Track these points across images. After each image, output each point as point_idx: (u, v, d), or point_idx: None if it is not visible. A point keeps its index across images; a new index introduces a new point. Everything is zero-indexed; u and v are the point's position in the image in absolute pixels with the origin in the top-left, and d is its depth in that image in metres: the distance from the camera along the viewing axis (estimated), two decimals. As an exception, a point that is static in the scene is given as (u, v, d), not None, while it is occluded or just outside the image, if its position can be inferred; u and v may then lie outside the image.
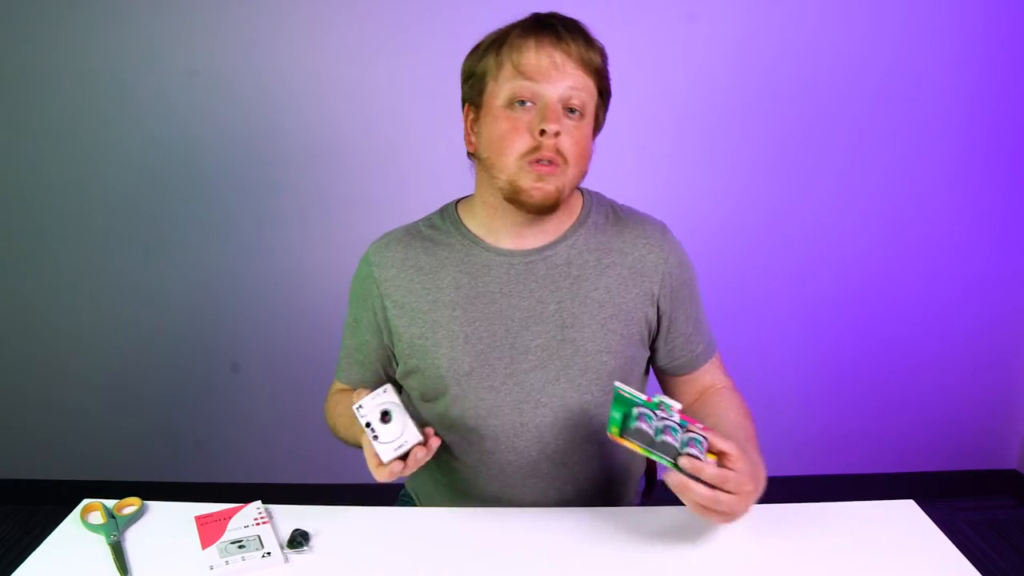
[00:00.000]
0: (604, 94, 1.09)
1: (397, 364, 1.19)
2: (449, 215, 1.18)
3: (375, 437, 0.97)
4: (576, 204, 1.17)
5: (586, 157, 1.07)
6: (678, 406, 0.96)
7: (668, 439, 0.94)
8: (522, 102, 1.03)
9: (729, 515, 0.94)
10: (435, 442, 1.00)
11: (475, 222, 1.15)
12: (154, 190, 2.09)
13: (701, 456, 0.93)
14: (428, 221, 1.19)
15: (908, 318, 2.24)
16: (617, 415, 0.97)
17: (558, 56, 1.02)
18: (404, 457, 0.98)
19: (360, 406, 0.99)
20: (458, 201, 1.20)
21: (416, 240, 1.16)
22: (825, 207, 2.14)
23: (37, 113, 2.04)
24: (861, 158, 2.10)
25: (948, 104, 2.07)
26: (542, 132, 1.01)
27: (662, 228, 1.18)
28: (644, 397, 0.96)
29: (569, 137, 1.03)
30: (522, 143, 1.03)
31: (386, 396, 0.99)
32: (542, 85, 1.02)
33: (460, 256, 1.13)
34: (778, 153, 2.09)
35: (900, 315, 2.24)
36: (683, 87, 2.03)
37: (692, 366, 1.21)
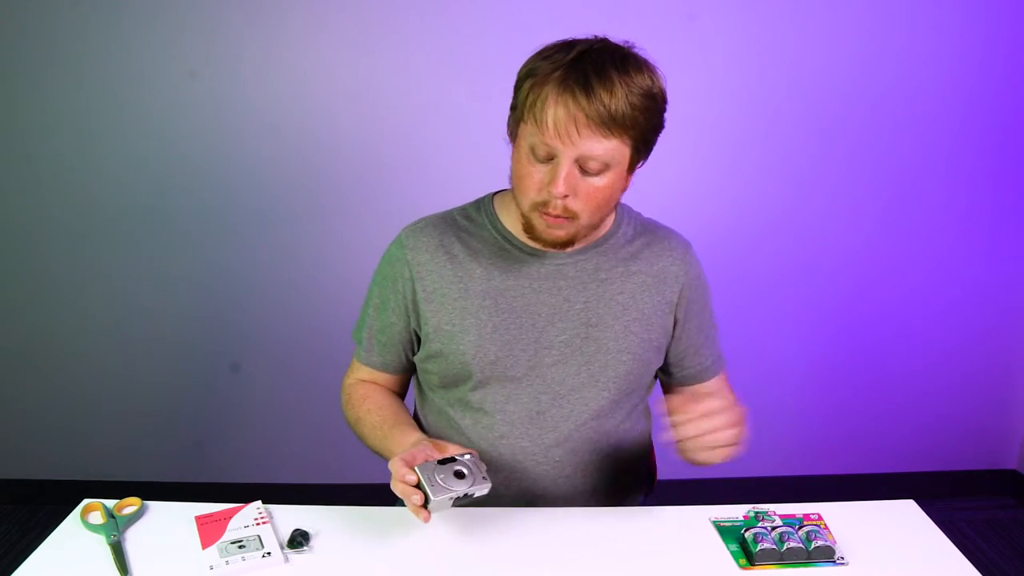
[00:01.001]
0: (644, 138, 1.04)
1: (419, 347, 1.21)
2: (485, 208, 1.19)
3: (440, 462, 0.98)
4: (609, 217, 1.19)
5: (606, 204, 1.07)
6: (773, 507, 1.05)
7: (792, 544, 0.99)
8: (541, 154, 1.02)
9: (732, 441, 1.00)
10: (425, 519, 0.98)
11: (511, 219, 1.16)
12: (154, 190, 2.09)
13: (799, 543, 1.00)
14: (464, 211, 1.21)
15: (909, 318, 2.24)
16: (734, 547, 1.02)
17: (575, 122, 0.97)
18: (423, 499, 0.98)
19: (468, 455, 1.00)
20: (495, 193, 1.21)
21: (451, 228, 1.18)
22: (825, 208, 2.14)
23: (36, 113, 2.03)
24: (861, 159, 2.10)
25: (949, 105, 2.07)
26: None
27: (686, 245, 1.22)
28: (741, 517, 1.06)
29: (584, 194, 1.03)
30: (535, 194, 1.04)
31: (477, 471, 0.99)
32: (556, 148, 1.00)
33: (493, 250, 1.16)
34: (778, 154, 2.09)
35: (901, 315, 2.24)
36: (684, 88, 2.02)
37: (698, 378, 1.25)
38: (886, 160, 2.11)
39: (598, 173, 1.02)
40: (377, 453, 1.16)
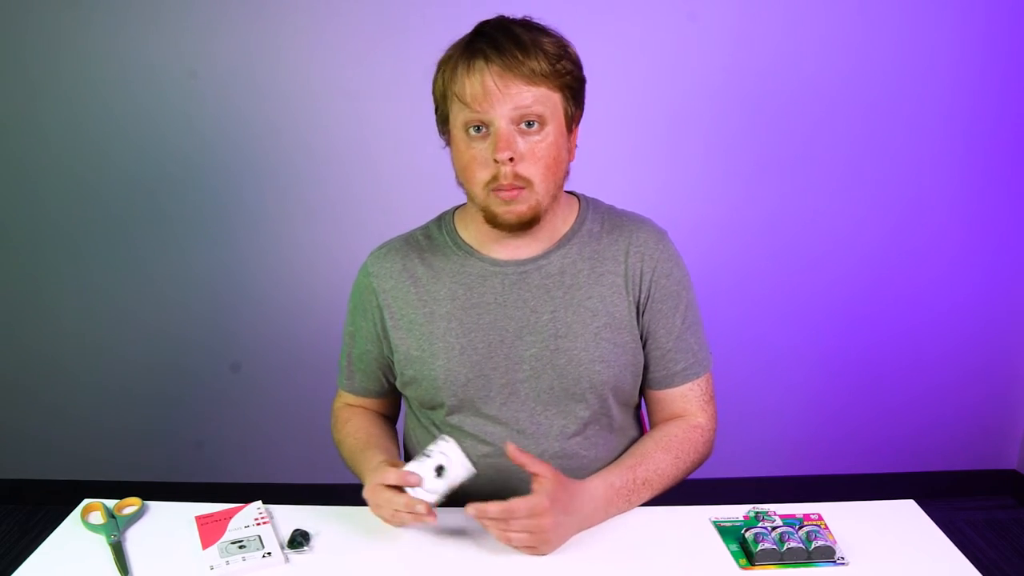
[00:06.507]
0: (570, 88, 1.05)
1: (395, 375, 1.20)
2: (446, 225, 1.18)
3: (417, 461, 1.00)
4: (571, 212, 1.17)
5: (556, 164, 1.05)
6: (773, 507, 1.04)
7: (792, 544, 0.98)
8: (477, 128, 1.03)
9: (532, 547, 0.99)
10: (431, 519, 0.99)
11: (468, 232, 1.16)
12: (155, 191, 2.09)
13: (796, 543, 0.99)
14: (425, 230, 1.20)
15: (909, 318, 2.24)
16: (735, 547, 1.01)
17: (494, 79, 1.00)
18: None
19: (441, 443, 1.01)
20: (456, 209, 1.20)
21: (413, 251, 1.17)
22: (824, 208, 2.14)
23: (38, 113, 2.03)
24: (861, 159, 2.10)
25: (948, 104, 2.07)
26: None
27: (658, 236, 1.16)
28: (741, 517, 1.05)
29: (530, 155, 1.02)
30: (483, 173, 1.03)
31: (456, 458, 1.00)
32: (487, 112, 1.01)
33: (456, 267, 1.14)
34: (779, 153, 2.09)
35: (900, 315, 2.24)
36: (683, 87, 2.03)
37: (666, 383, 1.17)
38: (890, 160, 2.10)
39: (538, 130, 1.02)
40: (355, 475, 1.17)
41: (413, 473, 0.99)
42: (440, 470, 0.99)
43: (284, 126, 2.04)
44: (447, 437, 1.01)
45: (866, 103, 2.06)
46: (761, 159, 2.09)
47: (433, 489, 0.98)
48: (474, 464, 1.01)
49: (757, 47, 2.01)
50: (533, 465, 1.01)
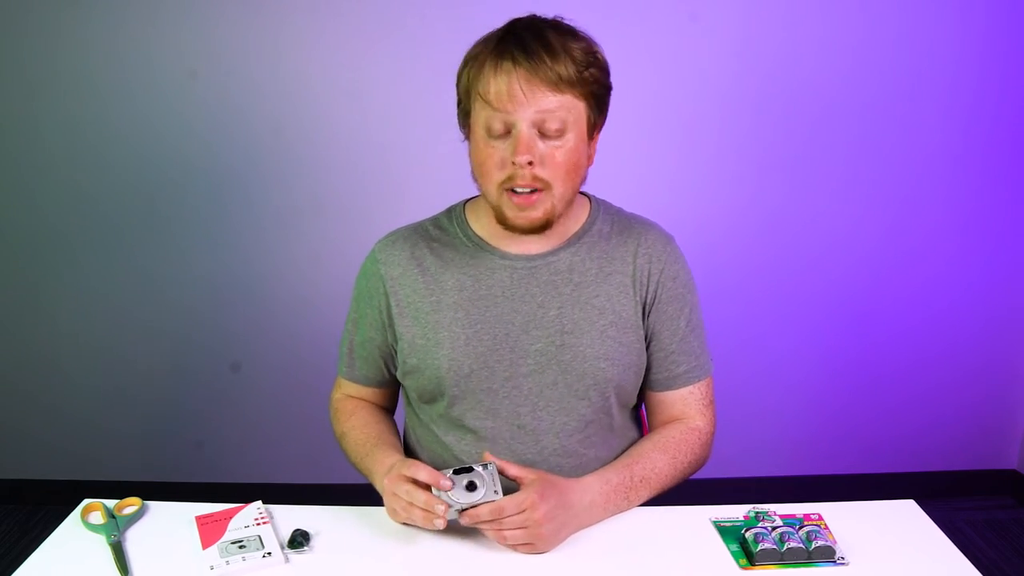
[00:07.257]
0: (595, 96, 1.05)
1: (397, 364, 1.20)
2: (456, 216, 1.18)
3: (456, 471, 1.00)
4: (582, 211, 1.17)
5: (575, 171, 1.06)
6: (773, 507, 1.05)
7: (792, 544, 0.99)
8: (499, 127, 1.03)
9: (530, 545, 0.99)
10: (440, 523, 0.98)
11: (480, 225, 1.16)
12: (155, 191, 2.09)
13: (798, 544, 0.99)
14: (435, 221, 1.20)
15: (909, 318, 2.24)
16: (735, 548, 1.01)
17: (521, 83, 1.00)
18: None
19: (486, 465, 1.00)
20: (466, 202, 1.21)
21: (422, 240, 1.17)
22: (825, 208, 2.14)
23: (38, 113, 2.03)
24: (863, 159, 2.10)
25: (950, 104, 2.07)
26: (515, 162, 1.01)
27: (666, 239, 1.18)
28: (741, 517, 1.05)
29: (549, 160, 1.02)
30: (500, 173, 1.04)
31: (491, 483, 0.99)
32: (510, 114, 1.01)
33: (465, 258, 1.14)
34: (780, 154, 2.09)
35: (901, 315, 2.24)
36: (685, 88, 2.03)
37: (668, 385, 1.18)
38: (890, 159, 2.11)
39: (558, 135, 1.02)
40: (358, 470, 1.17)
41: (448, 478, 0.99)
42: (471, 487, 0.98)
43: (284, 126, 2.04)
44: (492, 464, 1.00)
45: (868, 103, 2.06)
46: (759, 159, 2.09)
47: (456, 499, 0.98)
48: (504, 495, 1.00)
49: (758, 47, 2.01)
50: (511, 469, 1.02)
